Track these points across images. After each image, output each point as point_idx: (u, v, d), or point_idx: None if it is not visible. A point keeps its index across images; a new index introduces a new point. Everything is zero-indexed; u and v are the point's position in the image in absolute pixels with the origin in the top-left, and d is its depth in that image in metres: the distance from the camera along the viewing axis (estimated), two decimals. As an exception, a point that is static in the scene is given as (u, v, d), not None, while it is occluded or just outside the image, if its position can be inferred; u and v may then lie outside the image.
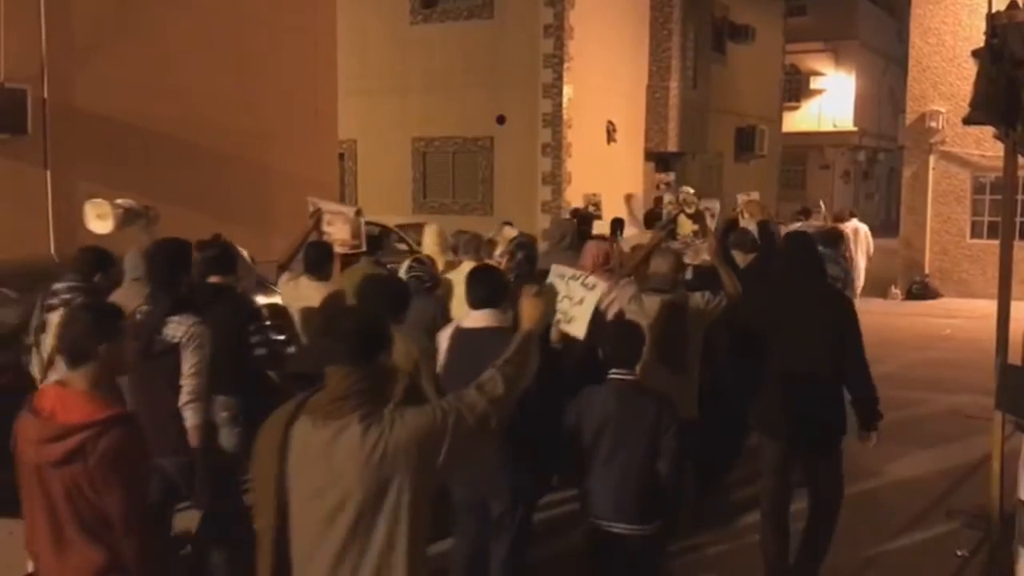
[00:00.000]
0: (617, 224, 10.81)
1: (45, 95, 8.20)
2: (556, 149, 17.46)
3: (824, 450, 4.83)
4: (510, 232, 8.03)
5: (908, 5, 18.78)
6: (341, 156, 14.32)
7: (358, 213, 7.16)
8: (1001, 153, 5.69)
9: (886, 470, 7.22)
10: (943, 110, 17.48)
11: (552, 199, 17.46)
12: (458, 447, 2.58)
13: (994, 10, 5.04)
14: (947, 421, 8.69)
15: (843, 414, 4.80)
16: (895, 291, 17.85)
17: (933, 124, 17.63)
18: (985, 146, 15.97)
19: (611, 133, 18.96)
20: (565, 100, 17.35)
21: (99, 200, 5.68)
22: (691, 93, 21.22)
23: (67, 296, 4.97)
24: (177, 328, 4.39)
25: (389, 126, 18.22)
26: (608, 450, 3.99)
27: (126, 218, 5.69)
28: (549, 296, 4.05)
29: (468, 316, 4.20)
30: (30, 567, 3.13)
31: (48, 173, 8.31)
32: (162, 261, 4.67)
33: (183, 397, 4.35)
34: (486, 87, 17.46)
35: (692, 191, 9.95)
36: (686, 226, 8.43)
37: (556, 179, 17.52)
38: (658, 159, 21.28)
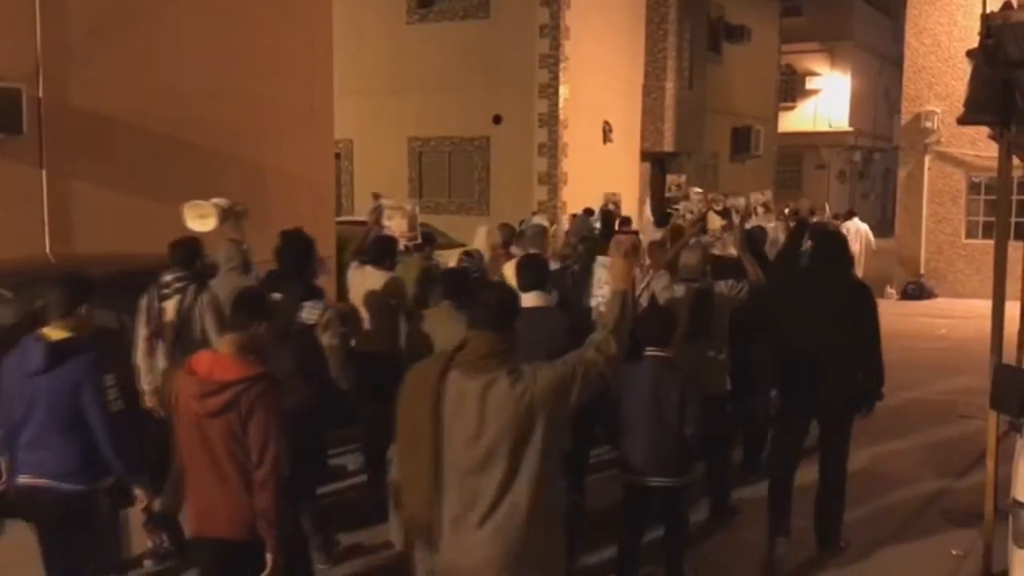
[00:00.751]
0: (624, 223, 11.07)
1: (40, 94, 8.17)
2: (552, 149, 17.47)
3: (838, 420, 5.50)
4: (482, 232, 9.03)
5: (903, 6, 18.83)
6: (337, 156, 14.31)
7: (414, 207, 8.28)
8: (996, 153, 5.71)
9: (880, 469, 7.23)
10: (938, 110, 17.52)
11: (548, 199, 17.45)
12: (582, 393, 3.18)
13: (989, 10, 5.05)
14: (942, 421, 8.71)
15: (857, 391, 5.43)
16: (890, 291, 17.88)
17: (928, 124, 17.67)
18: (980, 146, 16.00)
19: (607, 133, 18.97)
20: (561, 100, 17.35)
21: (198, 202, 6.24)
22: (687, 93, 21.23)
23: (178, 285, 5.50)
24: (311, 312, 5.09)
25: (385, 126, 18.21)
26: (644, 416, 4.74)
27: (223, 216, 6.31)
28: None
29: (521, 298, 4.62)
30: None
31: (43, 173, 8.28)
32: (291, 253, 5.44)
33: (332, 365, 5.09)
34: (482, 87, 17.46)
35: (700, 190, 10.94)
36: (715, 222, 9.31)
37: (552, 179, 17.52)
38: (654, 159, 21.29)
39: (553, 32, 17.24)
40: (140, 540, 5.24)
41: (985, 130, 6.00)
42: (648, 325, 4.92)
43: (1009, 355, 5.58)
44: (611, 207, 12.02)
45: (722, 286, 5.87)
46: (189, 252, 5.65)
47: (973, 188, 17.70)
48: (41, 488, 3.97)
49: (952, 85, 16.79)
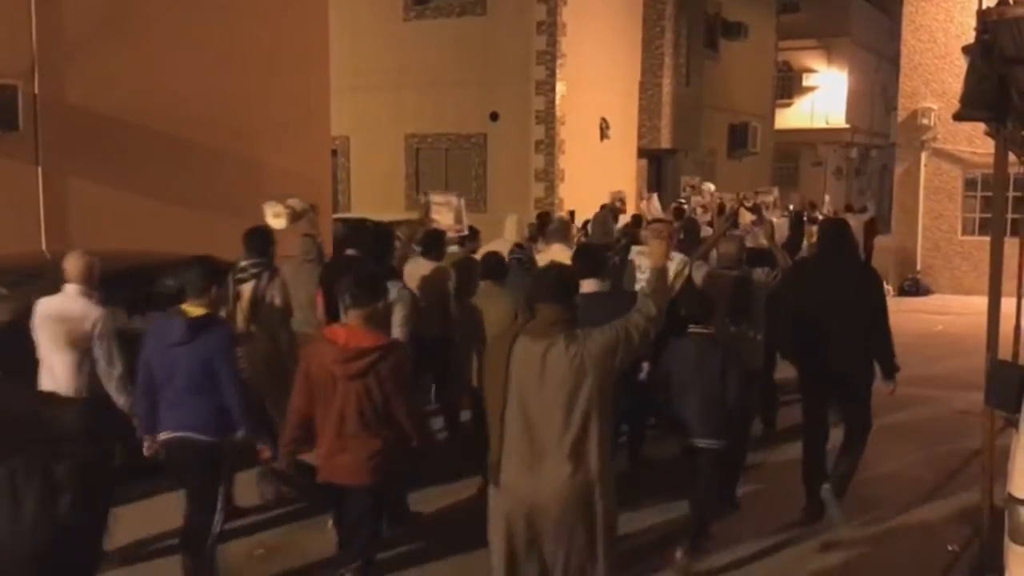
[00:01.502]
0: (435, 239, 11.18)
1: (36, 91, 8.17)
2: (549, 146, 17.46)
3: (855, 395, 5.94)
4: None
5: (900, 2, 18.82)
6: (334, 152, 14.30)
7: (460, 202, 9.11)
8: (992, 150, 5.70)
9: (877, 465, 7.24)
10: (935, 107, 17.52)
11: (545, 196, 17.46)
12: (628, 352, 3.72)
13: (985, 6, 5.05)
14: (938, 416, 8.72)
15: (871, 368, 5.89)
16: (887, 287, 17.86)
17: (925, 121, 17.67)
18: (976, 143, 16.00)
19: (604, 130, 18.97)
20: (558, 97, 17.35)
21: (274, 202, 7.01)
22: (684, 90, 21.24)
23: (254, 271, 6.18)
24: (393, 290, 5.66)
25: (382, 122, 18.20)
26: (690, 385, 5.29)
27: (295, 216, 7.08)
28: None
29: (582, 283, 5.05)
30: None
31: (39, 170, 8.28)
32: (373, 241, 6.49)
33: (396, 333, 5.62)
34: (479, 84, 17.45)
35: (713, 187, 13.19)
36: (746, 217, 10.42)
37: (549, 176, 17.52)
38: (651, 156, 21.30)
39: (550, 29, 17.23)
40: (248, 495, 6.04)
41: (982, 127, 6.00)
42: (691, 306, 5.54)
43: (1005, 351, 5.57)
44: (618, 204, 12.48)
45: (759, 273, 6.55)
46: (262, 240, 6.33)
47: (969, 185, 17.71)
48: (179, 439, 4.65)
49: (949, 82, 16.78)
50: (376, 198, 17.96)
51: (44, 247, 8.06)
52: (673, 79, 20.71)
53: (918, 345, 11.91)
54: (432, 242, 7.33)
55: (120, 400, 5.12)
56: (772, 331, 6.58)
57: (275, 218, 7.13)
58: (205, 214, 9.36)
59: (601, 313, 4.09)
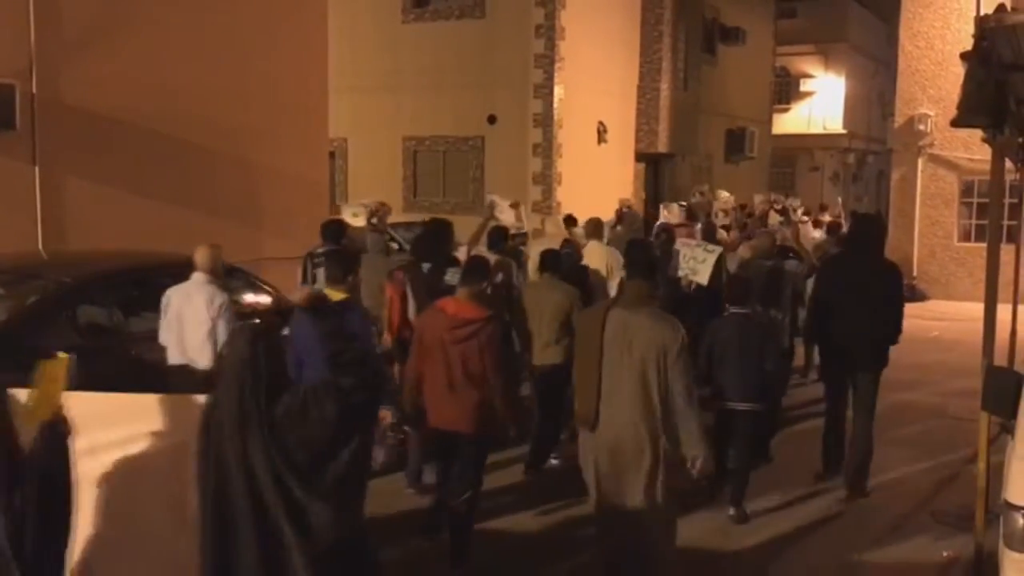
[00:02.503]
0: (499, 235, 11.44)
1: (34, 90, 8.16)
2: (547, 149, 17.46)
3: (870, 369, 6.69)
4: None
5: (898, 9, 18.87)
6: (332, 154, 14.27)
7: (520, 204, 10.38)
8: (989, 156, 5.72)
9: (873, 471, 7.25)
10: (932, 113, 17.57)
11: (543, 199, 17.45)
12: (672, 368, 4.57)
13: (983, 13, 5.07)
14: (933, 422, 8.73)
15: (885, 346, 6.62)
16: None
17: (922, 127, 17.72)
18: (973, 149, 16.04)
19: (602, 134, 18.97)
20: (556, 100, 17.35)
21: (351, 203, 8.02)
22: (681, 94, 21.25)
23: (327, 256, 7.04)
24: (453, 276, 6.61)
25: (380, 125, 18.19)
26: (731, 356, 6.14)
27: (370, 215, 8.49)
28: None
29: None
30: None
31: (36, 169, 8.27)
32: (436, 235, 7.44)
33: None
34: (477, 87, 17.46)
35: (727, 194, 14.70)
36: (774, 218, 12.19)
37: (547, 179, 17.52)
38: (648, 160, 21.31)
39: (548, 32, 17.24)
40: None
41: (978, 133, 6.02)
42: (731, 290, 6.61)
43: (1000, 357, 5.58)
44: (624, 210, 13.28)
45: (791, 264, 7.88)
46: (337, 230, 7.56)
47: (966, 191, 17.75)
48: None
49: (946, 88, 16.82)
50: (373, 200, 17.93)
51: (41, 247, 8.04)
52: (671, 83, 20.72)
53: (913, 350, 11.91)
54: (497, 237, 8.27)
55: None
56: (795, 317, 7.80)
57: (353, 216, 8.55)
58: (203, 214, 9.35)
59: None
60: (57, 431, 3.07)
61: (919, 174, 17.94)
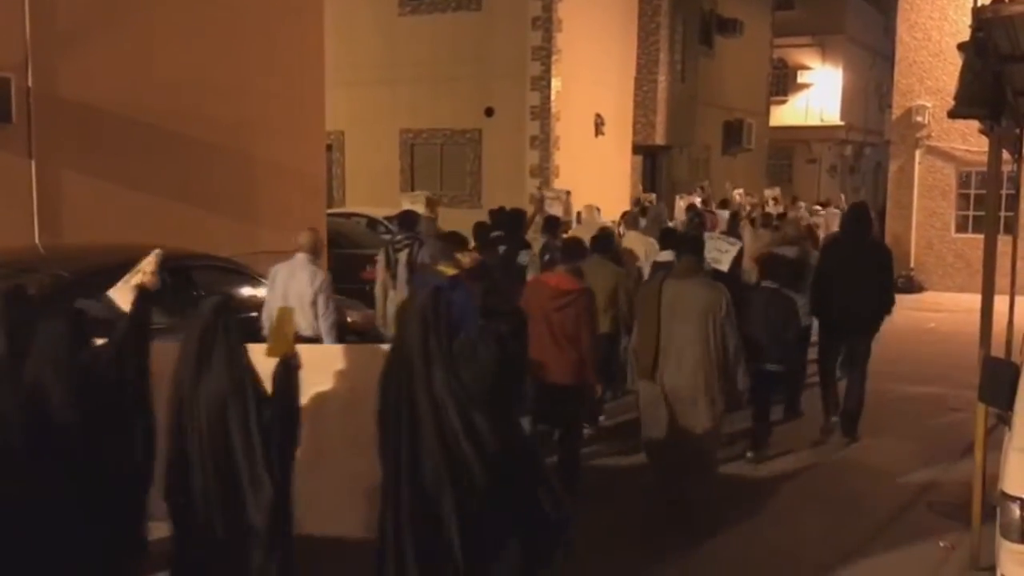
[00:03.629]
0: (553, 222, 11.65)
1: (30, 84, 8.12)
2: (544, 142, 17.45)
3: (863, 335, 7.79)
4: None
5: (895, 0, 18.84)
6: (329, 147, 14.24)
7: (568, 196, 12.42)
8: (986, 148, 5.72)
9: (869, 462, 7.27)
10: (929, 105, 17.56)
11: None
12: (725, 322, 5.87)
13: (980, 4, 5.06)
14: (931, 413, 8.75)
15: (878, 316, 7.71)
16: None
17: (919, 119, 17.71)
18: (971, 141, 16.05)
19: (599, 126, 18.96)
20: (553, 93, 17.33)
21: (408, 193, 8.51)
22: (679, 86, 21.24)
23: (407, 242, 8.43)
24: (524, 257, 8.50)
25: (377, 117, 18.17)
26: (761, 324, 6.99)
27: (428, 204, 9.81)
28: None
29: (660, 254, 8.74)
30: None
31: (32, 163, 8.24)
32: (511, 220, 9.31)
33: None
34: (474, 79, 17.43)
35: (742, 191, 17.37)
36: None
37: (544, 172, 17.50)
38: (646, 152, 21.31)
39: (546, 24, 17.20)
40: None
41: (976, 124, 6.04)
42: (766, 268, 7.76)
43: (998, 348, 5.59)
44: (648, 204, 14.89)
45: (815, 253, 9.03)
46: (412, 219, 8.79)
47: (963, 182, 17.76)
48: None
49: (943, 80, 16.81)
50: (371, 193, 17.92)
51: (37, 241, 8.02)
52: (668, 75, 20.71)
53: (910, 342, 11.95)
54: (551, 226, 9.72)
55: (327, 341, 6.54)
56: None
57: (413, 203, 9.77)
58: (199, 208, 9.33)
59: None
60: (291, 365, 3.93)
61: (916, 165, 17.94)
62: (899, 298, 17.09)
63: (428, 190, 17.98)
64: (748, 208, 15.34)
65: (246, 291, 7.20)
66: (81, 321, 3.91)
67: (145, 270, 4.40)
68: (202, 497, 3.71)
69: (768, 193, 17.77)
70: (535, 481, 3.83)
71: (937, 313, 14.88)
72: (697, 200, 15.94)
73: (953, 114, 5.55)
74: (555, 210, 10.68)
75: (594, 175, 17.12)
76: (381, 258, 8.62)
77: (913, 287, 17.62)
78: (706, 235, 9.02)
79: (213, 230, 9.06)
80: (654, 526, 6.01)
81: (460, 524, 3.61)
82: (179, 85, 9.26)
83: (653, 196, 16.53)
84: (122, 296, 4.33)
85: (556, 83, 17.32)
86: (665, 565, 5.44)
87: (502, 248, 8.39)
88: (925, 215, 18.03)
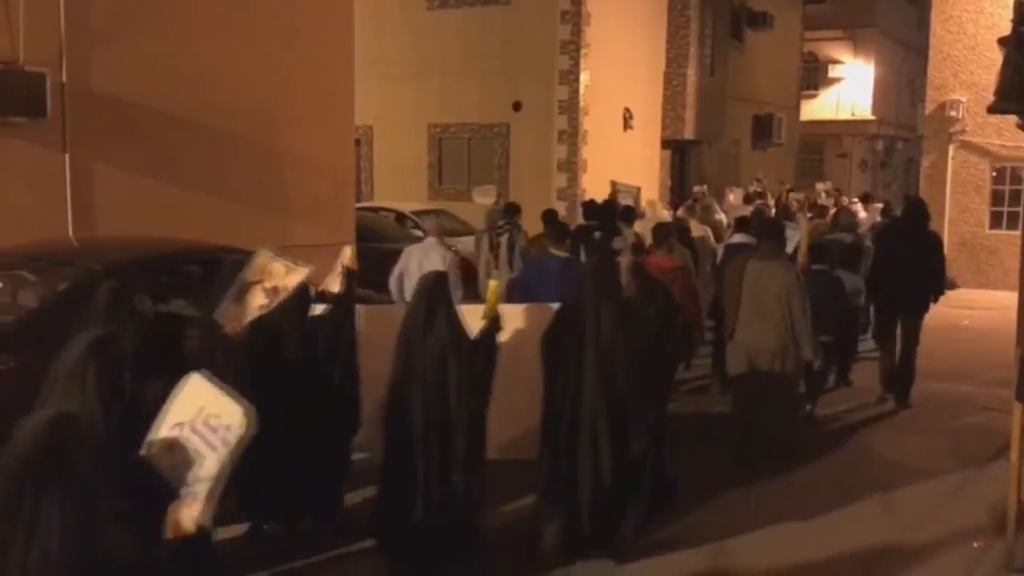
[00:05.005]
0: (628, 212, 11.49)
1: (64, 79, 8.21)
2: (572, 136, 17.41)
3: (915, 313, 8.68)
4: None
5: (929, -7, 18.59)
6: (357, 142, 14.30)
7: (639, 190, 14.55)
8: (1022, 143, 5.63)
9: (903, 460, 7.20)
10: (963, 99, 17.31)
11: (568, 186, 17.42)
12: (799, 299, 6.86)
13: (1019, -3, 4.97)
14: (965, 412, 8.64)
15: (928, 296, 8.64)
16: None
17: (953, 113, 17.46)
18: (1006, 135, 15.80)
19: (627, 120, 18.89)
20: (582, 87, 17.28)
21: (479, 187, 10.47)
22: (708, 80, 21.10)
23: (508, 228, 10.01)
24: (617, 243, 8.90)
25: (405, 112, 18.21)
26: (815, 300, 7.25)
27: (496, 196, 11.67)
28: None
29: (734, 236, 9.80)
30: None
31: (67, 157, 8.32)
32: (603, 210, 10.89)
33: (624, 263, 7.64)
34: (503, 73, 17.42)
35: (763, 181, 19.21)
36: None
37: (572, 166, 17.48)
38: (675, 147, 21.19)
39: (574, 18, 17.16)
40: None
41: (1011, 119, 5.95)
42: (819, 253, 8.88)
43: (1034, 347, 5.51)
44: (700, 197, 15.62)
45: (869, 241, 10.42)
46: (512, 210, 10.36)
47: (998, 178, 17.50)
48: None
49: (978, 74, 16.58)
50: (399, 188, 17.97)
51: (71, 234, 8.11)
52: (698, 69, 20.58)
53: (943, 339, 11.79)
54: (627, 215, 10.99)
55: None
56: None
57: (484, 196, 12.05)
58: (229, 202, 9.40)
59: (743, 255, 7.59)
60: (493, 327, 4.94)
61: (950, 161, 17.70)
62: (932, 295, 17.00)
63: (456, 185, 18.30)
64: (795, 203, 16.67)
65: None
66: (306, 295, 5.22)
67: (345, 258, 5.64)
68: (421, 428, 4.59)
69: (820, 187, 20.06)
70: (661, 440, 4.81)
71: (971, 311, 14.67)
72: (752, 191, 17.71)
73: (993, 109, 5.50)
74: (624, 202, 12.18)
75: (622, 170, 17.04)
76: (484, 241, 10.10)
77: (945, 284, 17.40)
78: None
79: (243, 223, 9.10)
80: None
81: (612, 451, 4.72)
82: (210, 79, 9.33)
83: (704, 187, 17.72)
84: (333, 281, 5.59)
85: (584, 77, 17.27)
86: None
87: (598, 234, 9.44)
88: (958, 211, 17.79)
